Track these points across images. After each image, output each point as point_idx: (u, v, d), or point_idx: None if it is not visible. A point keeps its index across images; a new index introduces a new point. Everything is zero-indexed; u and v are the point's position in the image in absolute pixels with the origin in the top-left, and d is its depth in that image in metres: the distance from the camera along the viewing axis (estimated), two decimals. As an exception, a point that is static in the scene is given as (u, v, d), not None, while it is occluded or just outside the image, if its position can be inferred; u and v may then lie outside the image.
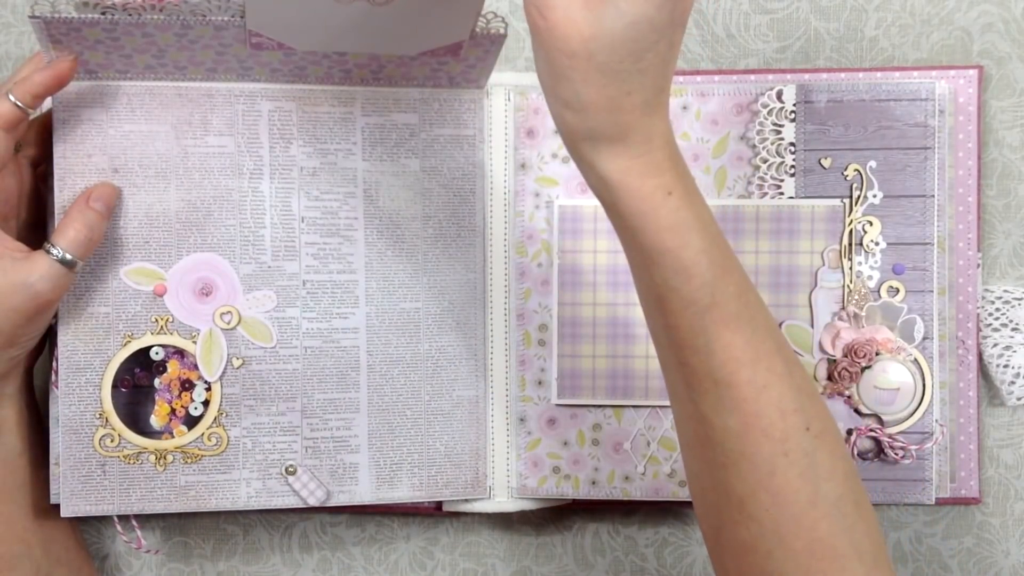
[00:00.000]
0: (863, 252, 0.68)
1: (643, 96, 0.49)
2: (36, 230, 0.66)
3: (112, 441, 0.66)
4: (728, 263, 0.52)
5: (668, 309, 0.52)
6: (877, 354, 0.67)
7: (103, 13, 0.58)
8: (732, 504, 0.52)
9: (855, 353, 0.67)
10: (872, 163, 0.67)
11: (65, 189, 0.65)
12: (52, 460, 0.67)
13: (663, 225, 0.50)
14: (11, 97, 0.61)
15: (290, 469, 0.67)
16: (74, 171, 0.65)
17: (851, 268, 0.68)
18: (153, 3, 0.58)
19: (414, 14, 0.59)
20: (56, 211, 0.64)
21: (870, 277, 0.68)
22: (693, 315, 0.51)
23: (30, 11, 0.57)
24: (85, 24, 0.58)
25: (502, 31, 0.61)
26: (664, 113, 0.50)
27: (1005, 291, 0.71)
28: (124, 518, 0.69)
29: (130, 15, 0.58)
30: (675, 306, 0.51)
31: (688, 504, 0.72)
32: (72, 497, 0.66)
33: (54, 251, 0.61)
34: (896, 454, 0.67)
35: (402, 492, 0.68)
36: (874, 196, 0.67)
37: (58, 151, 0.65)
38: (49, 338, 0.68)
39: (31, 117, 0.63)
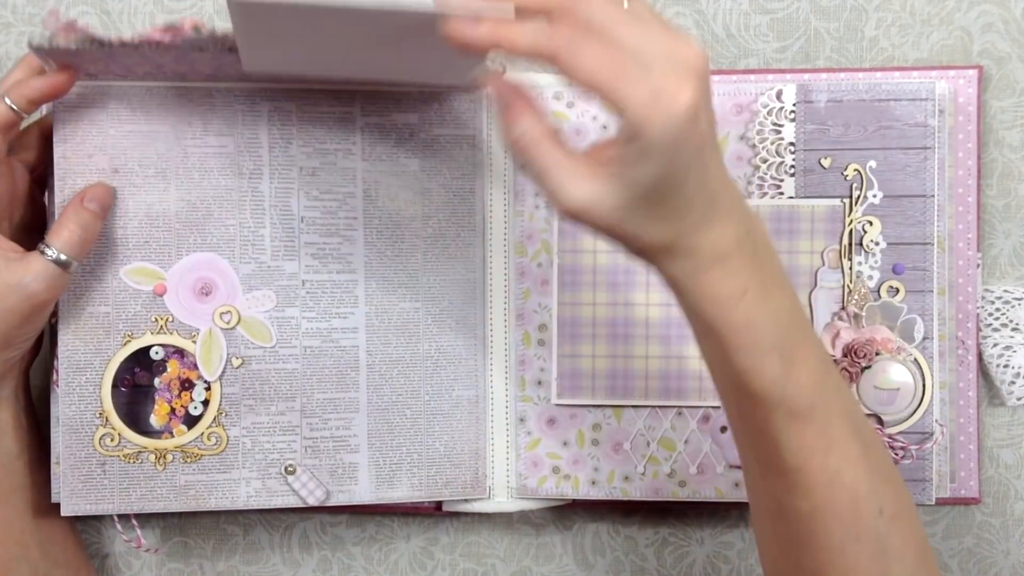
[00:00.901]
0: (863, 252, 0.68)
1: (696, 216, 0.48)
2: (31, 233, 0.65)
3: (112, 440, 0.66)
4: (803, 351, 0.51)
5: (739, 398, 0.51)
6: (877, 354, 0.67)
7: (100, 46, 0.58)
8: None
9: (855, 353, 0.67)
10: (872, 163, 0.67)
11: (65, 189, 0.65)
12: (53, 459, 0.67)
13: (735, 327, 0.50)
14: (7, 100, 0.61)
15: (289, 469, 0.67)
16: (74, 171, 0.65)
17: (851, 268, 0.68)
18: (149, 42, 0.58)
19: (410, 62, 0.58)
20: (56, 211, 0.64)
21: (870, 277, 0.68)
22: (764, 407, 0.50)
23: (28, 43, 0.57)
24: (83, 51, 0.58)
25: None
26: (731, 215, 0.49)
27: (1005, 291, 0.71)
28: (124, 517, 0.69)
29: (125, 47, 0.58)
30: (746, 397, 0.51)
31: (688, 504, 0.72)
32: (72, 496, 0.66)
33: (49, 251, 0.61)
34: (896, 454, 0.67)
35: (402, 492, 0.68)
36: (874, 196, 0.67)
37: (58, 151, 0.65)
38: (49, 338, 0.68)
39: (25, 122, 0.64)
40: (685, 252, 0.49)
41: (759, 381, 0.50)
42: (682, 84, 0.45)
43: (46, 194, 0.67)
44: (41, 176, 0.67)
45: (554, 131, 0.49)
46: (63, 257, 0.61)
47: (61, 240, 0.62)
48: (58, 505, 0.67)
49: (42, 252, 0.61)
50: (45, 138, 0.66)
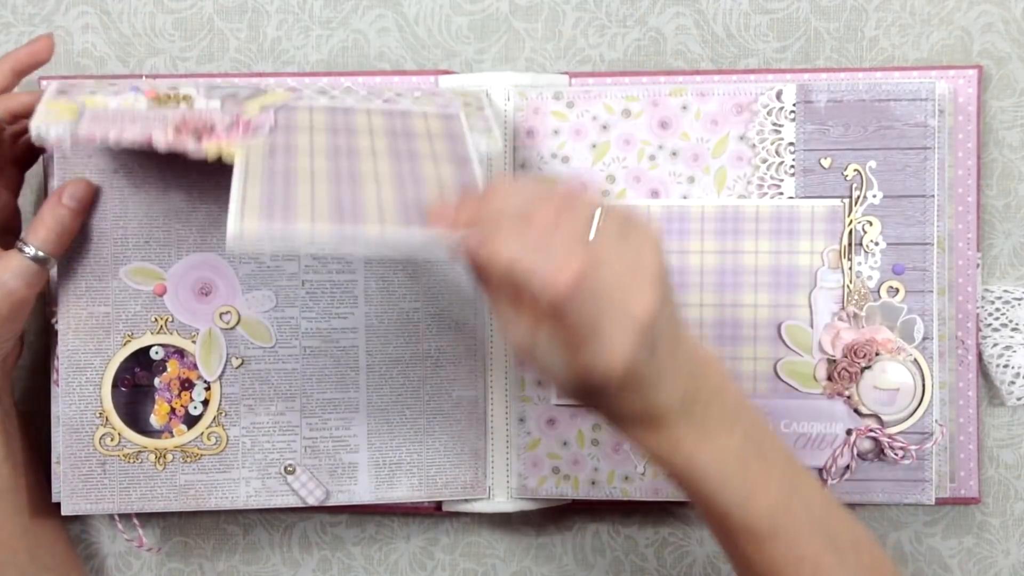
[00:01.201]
0: (863, 252, 0.68)
1: (671, 396, 0.52)
2: (5, 236, 0.65)
3: (112, 440, 0.66)
4: (761, 478, 0.54)
5: (707, 522, 0.57)
6: (877, 354, 0.67)
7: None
8: None
9: (855, 353, 0.67)
10: (872, 163, 0.67)
11: None
12: (53, 459, 0.67)
13: (680, 471, 0.54)
14: None
15: (289, 469, 0.67)
16: (74, 171, 0.65)
17: (851, 268, 0.68)
18: (144, 147, 0.58)
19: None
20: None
21: (870, 277, 0.68)
22: (727, 533, 0.55)
23: (33, 131, 0.58)
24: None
25: None
26: (677, 380, 0.52)
27: (1005, 291, 0.71)
28: (125, 517, 0.69)
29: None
30: (710, 523, 0.56)
31: (688, 504, 0.72)
32: (72, 496, 0.66)
33: (27, 249, 0.61)
34: (896, 454, 0.67)
35: (401, 492, 0.68)
36: (874, 196, 0.67)
37: (58, 152, 0.65)
38: (49, 338, 0.68)
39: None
40: (656, 423, 0.53)
41: (715, 514, 0.54)
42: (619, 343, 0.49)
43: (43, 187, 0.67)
44: (12, 181, 0.67)
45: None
46: (41, 254, 0.62)
47: (39, 237, 0.62)
48: (48, 507, 0.67)
49: (20, 250, 0.61)
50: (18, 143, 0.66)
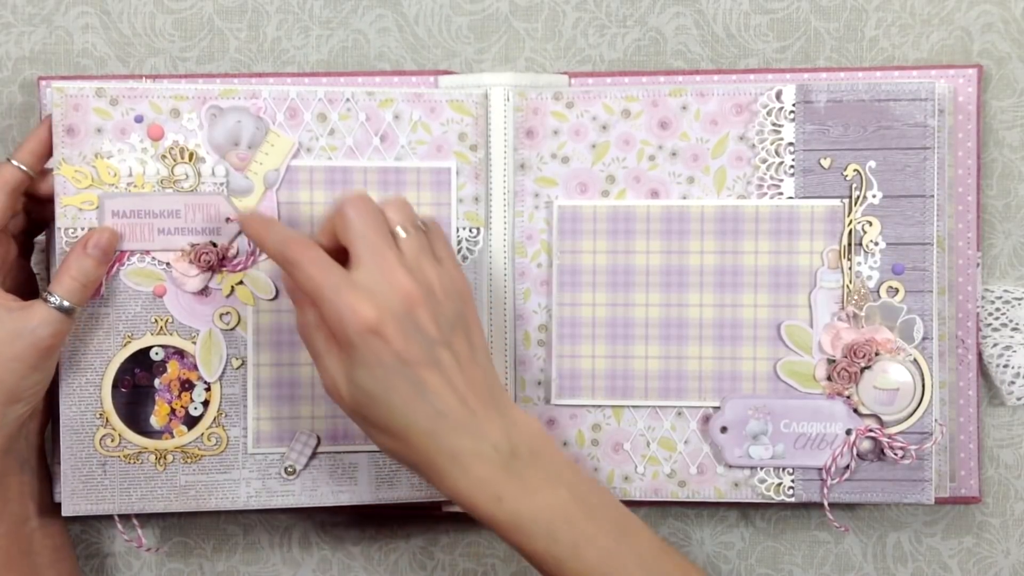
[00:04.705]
0: (862, 252, 0.68)
1: (420, 431, 0.57)
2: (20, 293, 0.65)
3: (112, 441, 0.66)
4: (588, 533, 0.58)
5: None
6: (877, 354, 0.67)
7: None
8: None
9: (855, 353, 0.67)
10: (872, 163, 0.67)
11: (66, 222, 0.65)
12: (53, 460, 0.67)
13: (502, 527, 0.58)
14: (14, 161, 0.64)
15: (289, 470, 0.67)
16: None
17: (850, 268, 0.68)
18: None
19: None
20: (56, 247, 0.65)
21: (869, 277, 0.68)
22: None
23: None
24: None
25: None
26: (463, 434, 0.57)
27: (1005, 291, 0.71)
28: (125, 517, 0.69)
29: None
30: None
31: (688, 504, 0.73)
32: (73, 496, 0.66)
33: (52, 299, 0.62)
34: (896, 454, 0.67)
35: (401, 492, 0.69)
36: (873, 196, 0.67)
37: (57, 154, 0.65)
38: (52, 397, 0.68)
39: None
40: (418, 461, 0.58)
41: (547, 566, 0.58)
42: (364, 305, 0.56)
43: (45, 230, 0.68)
44: (23, 242, 0.68)
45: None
46: (67, 304, 0.62)
47: (63, 288, 0.62)
48: (49, 507, 0.67)
49: (45, 300, 0.62)
50: (33, 201, 0.67)
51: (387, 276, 0.57)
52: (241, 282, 0.66)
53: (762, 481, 0.68)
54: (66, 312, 0.62)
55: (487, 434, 0.58)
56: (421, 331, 0.57)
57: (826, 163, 0.68)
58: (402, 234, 0.59)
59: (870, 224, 0.67)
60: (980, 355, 0.71)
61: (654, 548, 0.60)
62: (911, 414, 0.68)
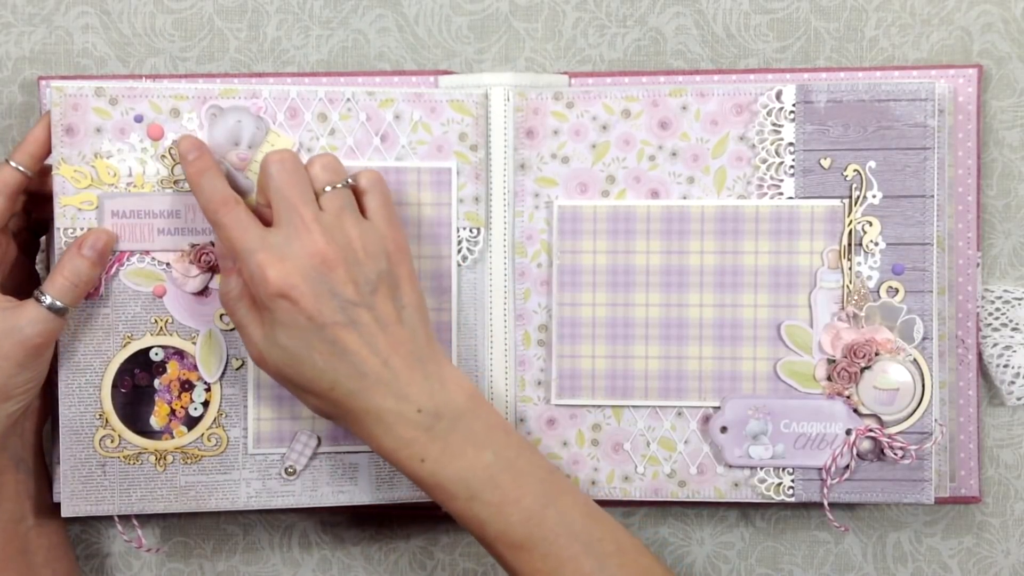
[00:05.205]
0: (862, 252, 0.68)
1: (343, 391, 0.58)
2: (19, 293, 0.65)
3: (112, 442, 0.66)
4: (513, 493, 0.59)
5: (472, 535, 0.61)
6: (877, 354, 0.67)
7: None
8: None
9: (855, 353, 0.67)
10: (872, 163, 0.67)
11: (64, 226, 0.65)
12: (53, 460, 0.67)
13: (428, 485, 0.59)
14: (12, 163, 0.64)
15: (290, 470, 0.67)
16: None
17: (850, 268, 0.68)
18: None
19: None
20: (55, 247, 0.65)
21: (869, 277, 0.68)
22: (487, 543, 0.60)
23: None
24: None
25: None
26: (386, 394, 0.58)
27: (1005, 291, 0.71)
28: (125, 517, 0.69)
29: None
30: (473, 535, 0.61)
31: (688, 504, 0.73)
32: (73, 497, 0.66)
33: (44, 298, 0.62)
34: (896, 454, 0.67)
35: (402, 492, 0.69)
36: (873, 196, 0.67)
37: (56, 154, 0.65)
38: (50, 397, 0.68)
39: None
40: (346, 419, 0.59)
41: (471, 525, 0.59)
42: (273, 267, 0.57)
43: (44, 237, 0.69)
44: (26, 240, 0.68)
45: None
46: (59, 304, 0.62)
47: (56, 288, 0.62)
48: (49, 507, 0.67)
49: (37, 299, 0.61)
50: (32, 200, 0.67)
51: (300, 237, 0.57)
52: None
53: (762, 481, 0.68)
54: (57, 312, 0.62)
55: (410, 395, 0.58)
56: (335, 292, 0.57)
57: (826, 163, 0.68)
58: (326, 191, 0.59)
59: (870, 224, 0.67)
60: (980, 355, 0.71)
61: (584, 513, 0.60)
62: (911, 414, 0.68)
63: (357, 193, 0.61)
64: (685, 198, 0.68)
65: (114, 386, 0.66)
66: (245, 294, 0.59)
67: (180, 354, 0.67)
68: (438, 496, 0.60)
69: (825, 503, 0.68)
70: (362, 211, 0.61)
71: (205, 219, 0.64)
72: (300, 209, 0.58)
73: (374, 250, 0.59)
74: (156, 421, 0.67)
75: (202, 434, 0.67)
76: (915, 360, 0.67)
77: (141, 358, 0.66)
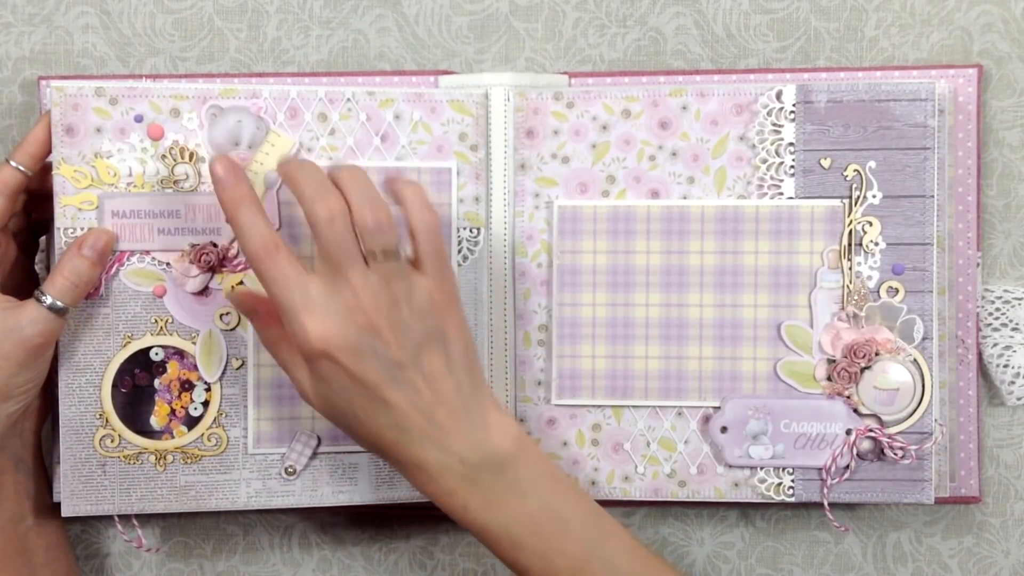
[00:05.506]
0: (863, 252, 0.68)
1: (387, 442, 0.58)
2: (19, 293, 0.65)
3: (112, 441, 0.66)
4: (557, 544, 0.59)
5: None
6: (877, 354, 0.67)
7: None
8: None
9: (855, 353, 0.67)
10: (872, 163, 0.67)
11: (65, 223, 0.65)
12: (53, 460, 0.67)
13: (474, 531, 0.59)
14: (12, 162, 0.64)
15: (290, 470, 0.67)
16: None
17: (851, 268, 0.68)
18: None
19: None
20: (55, 248, 0.65)
21: (869, 277, 0.68)
22: None
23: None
24: None
25: None
26: (431, 448, 0.58)
27: (1005, 291, 0.71)
28: (125, 517, 0.69)
29: None
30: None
31: (688, 504, 0.73)
32: (73, 497, 0.66)
33: (44, 298, 0.62)
34: (896, 454, 0.67)
35: (402, 492, 0.69)
36: (874, 196, 0.67)
37: (56, 154, 0.65)
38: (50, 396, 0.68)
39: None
40: (404, 470, 0.59)
41: (517, 571, 0.59)
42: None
43: (45, 236, 0.69)
44: (26, 240, 0.68)
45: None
46: (59, 304, 0.62)
47: (56, 288, 0.62)
48: (48, 507, 0.67)
49: (38, 299, 0.61)
50: (32, 200, 0.67)
51: (344, 296, 0.56)
52: (241, 282, 0.66)
53: (762, 481, 0.68)
54: (57, 312, 0.62)
55: (453, 447, 0.58)
56: (379, 354, 0.56)
57: (826, 163, 0.68)
58: (377, 257, 0.56)
59: (870, 224, 0.67)
60: (980, 355, 0.71)
61: (628, 556, 0.60)
62: (911, 414, 0.68)
63: (409, 234, 0.58)
64: (685, 198, 0.68)
65: (114, 386, 0.66)
66: (285, 337, 0.59)
67: (180, 354, 0.67)
68: (484, 541, 0.60)
69: (825, 503, 0.68)
70: (413, 251, 0.58)
71: (206, 219, 0.64)
72: (347, 272, 0.56)
73: (421, 307, 0.57)
74: (156, 421, 0.67)
75: (202, 434, 0.67)
76: (915, 360, 0.67)
77: (141, 358, 0.66)
